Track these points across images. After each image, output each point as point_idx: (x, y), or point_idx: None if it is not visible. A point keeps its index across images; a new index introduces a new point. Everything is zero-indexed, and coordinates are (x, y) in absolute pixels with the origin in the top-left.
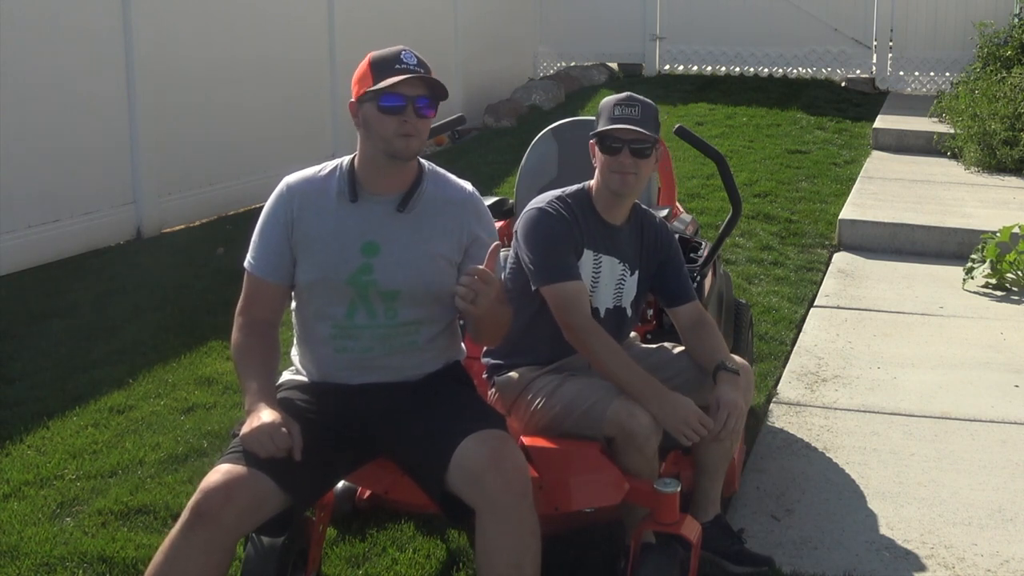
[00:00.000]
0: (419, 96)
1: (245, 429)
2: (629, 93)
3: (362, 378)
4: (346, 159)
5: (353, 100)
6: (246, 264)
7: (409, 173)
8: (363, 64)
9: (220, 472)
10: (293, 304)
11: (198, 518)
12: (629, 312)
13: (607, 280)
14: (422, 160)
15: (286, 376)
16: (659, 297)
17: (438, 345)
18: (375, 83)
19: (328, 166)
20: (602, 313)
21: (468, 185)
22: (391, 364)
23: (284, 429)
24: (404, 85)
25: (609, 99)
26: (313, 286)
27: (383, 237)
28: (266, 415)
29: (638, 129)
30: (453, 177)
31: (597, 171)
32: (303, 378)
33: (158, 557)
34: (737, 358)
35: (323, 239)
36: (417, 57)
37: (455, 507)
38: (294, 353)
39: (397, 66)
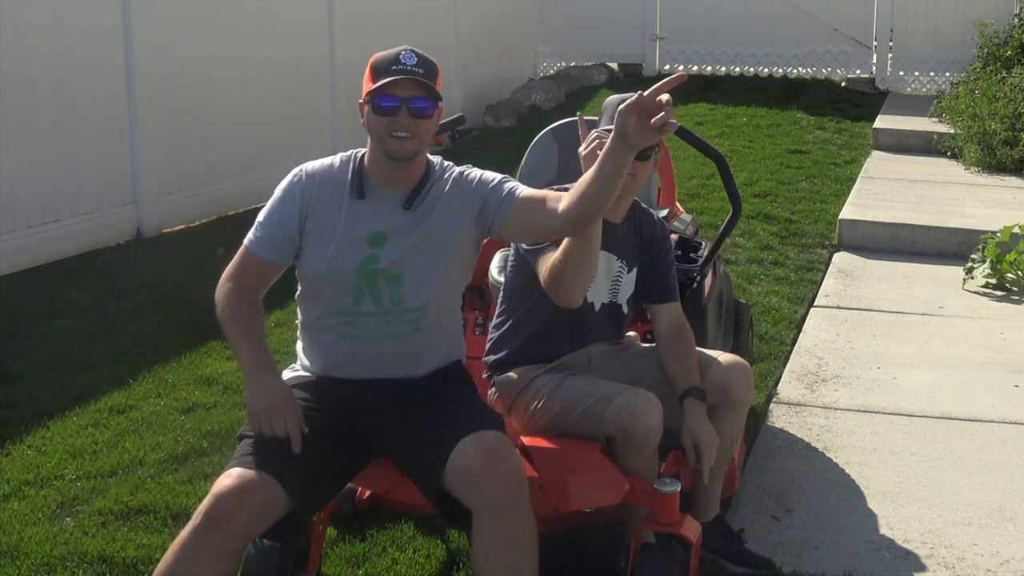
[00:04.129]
0: (414, 97)
1: (250, 396)
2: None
3: (364, 372)
4: (358, 152)
5: (361, 101)
6: (246, 241)
7: (416, 171)
8: (368, 65)
9: (232, 476)
10: (298, 292)
11: (211, 522)
12: (625, 309)
13: (603, 275)
14: (431, 157)
15: (287, 374)
16: (643, 293)
17: (440, 337)
18: (374, 84)
19: (341, 158)
20: (597, 307)
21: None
22: (394, 354)
23: (294, 413)
24: (398, 86)
25: (613, 98)
26: (321, 278)
27: (390, 228)
28: (275, 388)
29: None
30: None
31: None
32: (305, 374)
33: (167, 559)
34: (733, 356)
35: (334, 232)
36: (418, 56)
37: (452, 507)
38: (299, 347)
39: (394, 67)
